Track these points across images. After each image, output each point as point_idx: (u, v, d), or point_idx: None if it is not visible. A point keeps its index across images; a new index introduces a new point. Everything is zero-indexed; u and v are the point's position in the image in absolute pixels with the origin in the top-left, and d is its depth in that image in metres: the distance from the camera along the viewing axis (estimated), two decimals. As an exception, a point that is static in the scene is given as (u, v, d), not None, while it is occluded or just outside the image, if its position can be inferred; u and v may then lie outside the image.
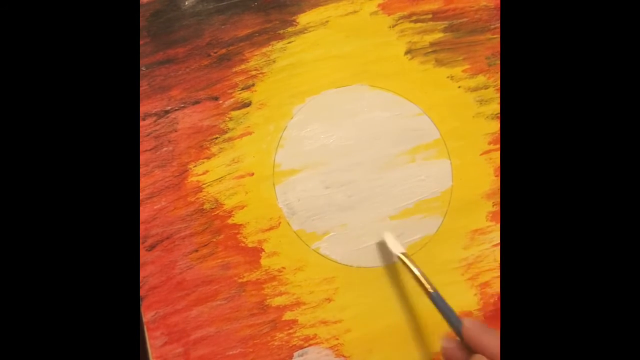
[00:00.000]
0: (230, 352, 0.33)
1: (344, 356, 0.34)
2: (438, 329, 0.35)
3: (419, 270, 0.32)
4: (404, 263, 0.33)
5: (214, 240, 0.34)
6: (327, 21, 0.37)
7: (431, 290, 0.31)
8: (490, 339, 0.29)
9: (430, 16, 0.38)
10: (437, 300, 0.31)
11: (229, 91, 0.36)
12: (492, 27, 0.38)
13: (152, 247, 0.34)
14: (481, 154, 0.37)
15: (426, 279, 0.31)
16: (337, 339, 0.34)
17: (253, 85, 0.36)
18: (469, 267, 0.36)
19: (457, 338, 0.30)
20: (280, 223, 0.35)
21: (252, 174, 0.35)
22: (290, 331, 0.34)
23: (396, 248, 0.33)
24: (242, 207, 0.35)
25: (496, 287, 0.36)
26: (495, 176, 0.37)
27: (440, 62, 0.38)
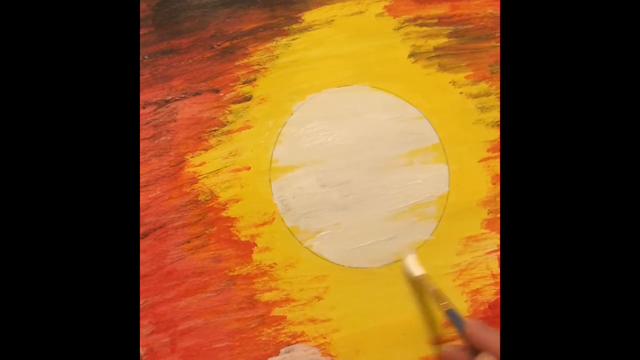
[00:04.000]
0: (217, 345, 0.33)
1: (330, 355, 0.34)
2: (426, 332, 0.35)
3: (436, 291, 0.33)
4: (422, 283, 0.34)
5: (207, 232, 0.34)
6: (332, 20, 0.37)
7: (447, 308, 0.32)
8: (492, 336, 0.29)
9: (435, 21, 0.38)
10: (451, 315, 0.31)
11: (230, 84, 0.36)
12: (497, 34, 0.38)
13: (144, 236, 0.34)
14: (479, 161, 0.37)
15: (443, 297, 0.32)
16: (325, 337, 0.34)
17: (255, 79, 0.36)
18: (461, 274, 0.36)
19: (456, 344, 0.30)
20: (274, 219, 0.35)
21: (249, 168, 0.35)
22: (278, 327, 0.34)
23: (417, 270, 0.34)
24: (237, 201, 0.35)
25: (487, 295, 0.36)
26: (493, 184, 0.37)
27: (443, 67, 0.38)
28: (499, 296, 0.36)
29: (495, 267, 0.36)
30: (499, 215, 0.36)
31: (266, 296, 0.34)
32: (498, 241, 0.36)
